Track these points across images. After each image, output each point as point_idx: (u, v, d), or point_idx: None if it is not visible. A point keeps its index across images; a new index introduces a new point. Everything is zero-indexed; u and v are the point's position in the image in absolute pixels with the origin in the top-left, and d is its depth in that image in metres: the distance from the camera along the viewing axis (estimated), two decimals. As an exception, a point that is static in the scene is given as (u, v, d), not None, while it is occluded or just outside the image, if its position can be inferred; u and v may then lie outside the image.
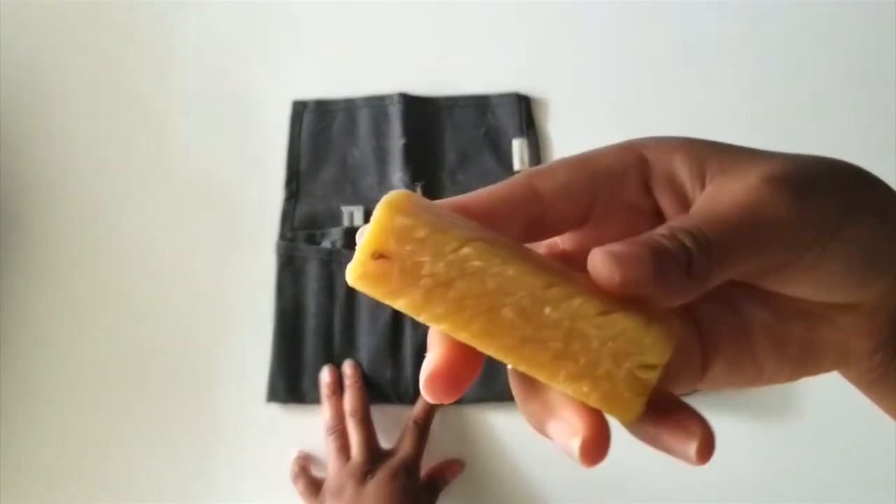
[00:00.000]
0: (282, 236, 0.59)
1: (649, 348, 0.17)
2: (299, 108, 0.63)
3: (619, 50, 0.66)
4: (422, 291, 0.18)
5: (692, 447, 0.18)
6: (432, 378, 0.19)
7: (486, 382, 0.54)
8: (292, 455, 0.54)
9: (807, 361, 0.21)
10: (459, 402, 0.55)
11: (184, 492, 0.54)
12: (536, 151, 0.62)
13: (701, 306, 0.21)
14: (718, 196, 0.19)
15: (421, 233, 0.18)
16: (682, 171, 0.20)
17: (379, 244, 0.17)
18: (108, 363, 0.57)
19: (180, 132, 0.63)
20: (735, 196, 0.19)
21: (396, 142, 0.61)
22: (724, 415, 0.56)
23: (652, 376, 0.18)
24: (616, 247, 0.17)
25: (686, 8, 0.67)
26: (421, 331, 0.56)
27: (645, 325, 0.17)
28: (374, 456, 0.50)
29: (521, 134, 0.62)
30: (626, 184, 0.20)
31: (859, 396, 0.56)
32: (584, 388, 0.18)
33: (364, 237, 0.17)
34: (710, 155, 0.20)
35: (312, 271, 0.57)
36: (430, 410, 0.53)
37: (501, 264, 0.17)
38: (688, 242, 0.17)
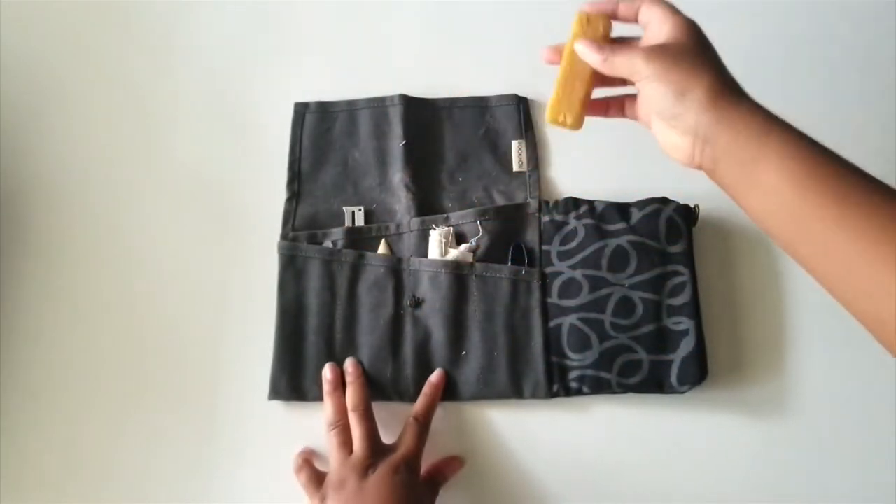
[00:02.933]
0: (283, 236, 0.59)
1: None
2: (301, 110, 0.64)
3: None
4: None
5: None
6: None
7: (486, 381, 0.55)
8: (294, 452, 0.54)
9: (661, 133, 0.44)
10: (459, 399, 0.55)
11: (186, 489, 0.54)
12: (535, 152, 0.62)
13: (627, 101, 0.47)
14: (641, 41, 0.43)
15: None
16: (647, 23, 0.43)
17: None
18: (110, 362, 0.57)
19: (182, 134, 0.64)
20: (641, 45, 0.42)
21: (397, 143, 0.61)
22: (723, 414, 0.56)
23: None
24: (586, 44, 0.43)
25: (689, 11, 0.68)
26: (421, 330, 0.56)
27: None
28: (376, 450, 0.51)
29: (520, 135, 0.63)
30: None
31: (857, 396, 0.57)
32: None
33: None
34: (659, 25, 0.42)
35: (314, 271, 0.57)
36: (431, 408, 0.54)
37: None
38: (605, 52, 0.42)
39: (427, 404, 0.53)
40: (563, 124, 0.45)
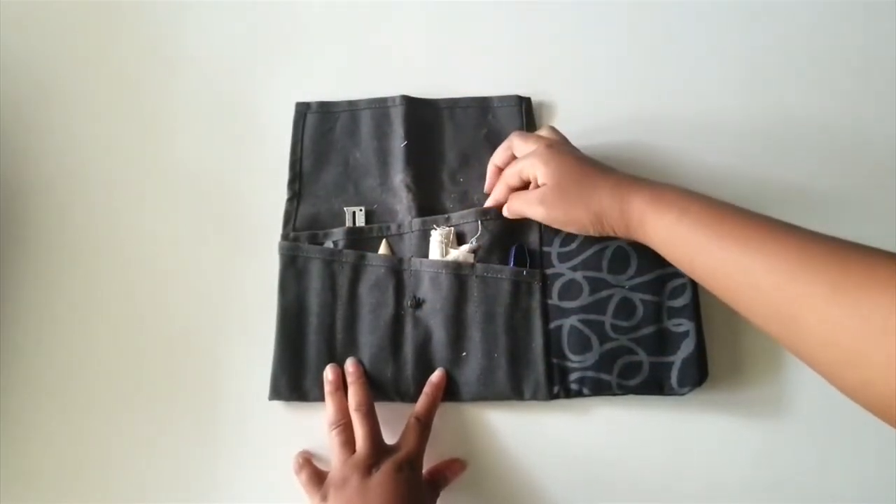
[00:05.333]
0: (284, 236, 0.59)
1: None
2: (302, 110, 0.64)
3: (620, 52, 0.66)
4: None
5: None
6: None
7: (486, 382, 0.55)
8: (295, 453, 0.55)
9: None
10: (459, 400, 0.55)
11: (186, 490, 0.55)
12: (536, 153, 0.62)
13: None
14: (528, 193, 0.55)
15: None
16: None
17: None
18: (110, 362, 0.57)
19: (183, 134, 0.64)
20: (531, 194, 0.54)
21: (398, 143, 0.61)
22: (723, 416, 0.56)
23: None
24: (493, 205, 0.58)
25: (686, 10, 0.68)
26: (422, 330, 0.56)
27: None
28: (379, 450, 0.51)
29: (521, 136, 0.63)
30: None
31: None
32: None
33: None
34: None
35: (315, 271, 0.57)
36: (432, 407, 0.54)
37: None
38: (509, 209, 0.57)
39: (428, 404, 0.53)
40: None
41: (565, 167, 0.52)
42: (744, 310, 0.43)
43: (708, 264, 0.45)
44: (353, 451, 0.51)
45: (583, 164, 0.52)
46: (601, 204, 0.50)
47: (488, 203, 0.58)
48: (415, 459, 0.50)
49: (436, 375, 0.55)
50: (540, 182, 0.53)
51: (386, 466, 0.49)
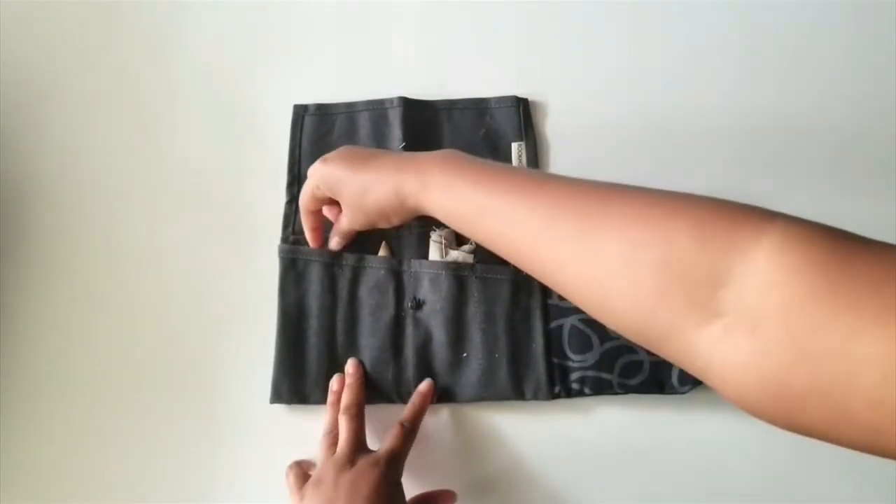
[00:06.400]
0: (284, 239, 0.59)
1: None
2: (300, 112, 0.64)
3: (618, 53, 0.67)
4: None
5: None
6: None
7: (487, 382, 0.55)
8: (295, 455, 0.55)
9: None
10: (460, 401, 0.55)
11: (187, 492, 0.55)
12: (535, 154, 0.62)
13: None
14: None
15: None
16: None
17: None
18: (110, 365, 0.57)
19: (182, 136, 0.64)
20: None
21: (396, 145, 0.62)
22: (724, 415, 0.56)
23: None
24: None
25: (687, 11, 0.68)
26: (422, 331, 0.56)
27: None
28: (358, 449, 0.50)
29: (519, 136, 0.63)
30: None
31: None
32: None
33: None
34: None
35: (315, 273, 0.57)
36: (418, 415, 0.53)
37: None
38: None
39: (414, 411, 0.53)
40: None
41: (336, 160, 0.52)
42: (514, 262, 0.45)
43: (476, 220, 0.45)
44: None
45: (354, 164, 0.52)
46: (384, 200, 0.50)
47: (313, 244, 0.58)
48: (394, 458, 0.50)
49: (423, 385, 0.55)
50: (325, 190, 0.53)
51: (361, 462, 0.49)
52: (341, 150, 0.54)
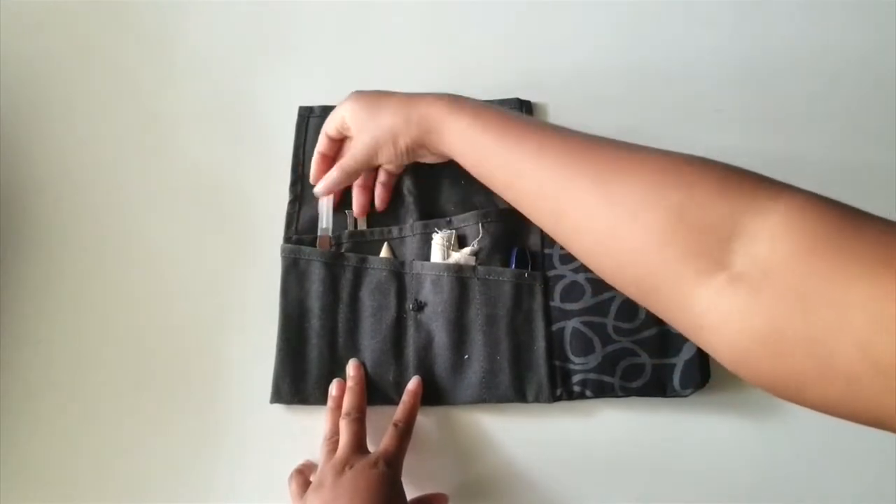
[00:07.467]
0: (286, 239, 0.59)
1: None
2: (305, 114, 0.64)
3: (619, 55, 0.67)
4: None
5: None
6: None
7: (488, 385, 0.55)
8: (295, 456, 0.54)
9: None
10: (461, 403, 0.55)
11: (187, 492, 0.54)
12: (538, 156, 0.62)
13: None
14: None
15: None
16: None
17: None
18: (111, 364, 0.57)
19: (186, 137, 0.64)
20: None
21: (400, 146, 0.62)
22: (725, 417, 0.56)
23: None
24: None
25: (687, 12, 0.68)
26: (423, 333, 0.56)
27: None
28: (357, 451, 0.50)
29: (522, 139, 0.63)
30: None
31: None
32: None
33: None
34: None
35: (317, 274, 0.57)
36: (410, 414, 0.53)
37: None
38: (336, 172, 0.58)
39: (406, 411, 0.53)
40: None
41: (360, 98, 0.55)
42: (525, 211, 0.47)
43: (494, 168, 0.47)
44: None
45: (378, 93, 0.55)
46: (394, 118, 0.52)
47: (317, 190, 0.59)
48: (391, 458, 0.50)
49: (412, 383, 0.55)
50: (347, 120, 0.55)
51: (360, 464, 0.49)
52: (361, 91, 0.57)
